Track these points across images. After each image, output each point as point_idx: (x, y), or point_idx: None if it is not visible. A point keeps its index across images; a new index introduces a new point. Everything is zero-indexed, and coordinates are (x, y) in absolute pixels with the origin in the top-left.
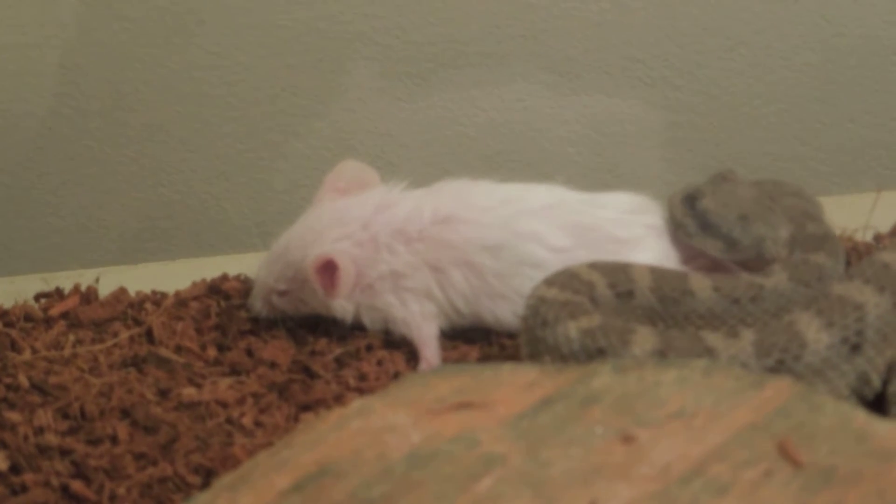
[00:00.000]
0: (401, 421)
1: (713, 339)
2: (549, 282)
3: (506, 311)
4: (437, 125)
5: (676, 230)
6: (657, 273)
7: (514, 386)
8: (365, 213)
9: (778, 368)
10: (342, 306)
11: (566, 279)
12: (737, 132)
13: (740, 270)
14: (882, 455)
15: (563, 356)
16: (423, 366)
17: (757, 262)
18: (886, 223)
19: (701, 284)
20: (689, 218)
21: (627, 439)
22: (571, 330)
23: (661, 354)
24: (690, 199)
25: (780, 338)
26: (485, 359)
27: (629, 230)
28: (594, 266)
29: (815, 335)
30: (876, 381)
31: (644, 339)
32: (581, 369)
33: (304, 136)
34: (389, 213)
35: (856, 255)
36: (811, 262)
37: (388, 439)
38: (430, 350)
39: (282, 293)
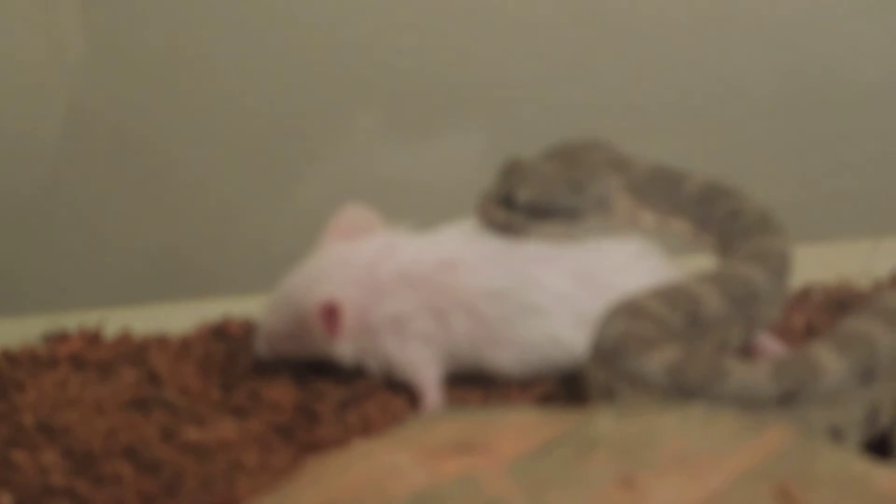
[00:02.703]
0: (403, 463)
1: (729, 362)
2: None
3: (507, 357)
4: (441, 170)
5: (506, 233)
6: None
7: (516, 429)
8: (368, 258)
9: (793, 394)
10: (344, 349)
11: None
12: (734, 178)
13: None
14: (881, 501)
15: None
16: (425, 409)
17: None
18: (885, 270)
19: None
20: (516, 215)
21: (628, 483)
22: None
23: (675, 370)
24: (507, 199)
25: (796, 364)
26: (487, 402)
27: (632, 277)
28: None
29: (831, 362)
30: (886, 414)
31: (664, 353)
32: (583, 413)
33: (308, 181)
34: (392, 257)
35: (855, 301)
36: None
37: (391, 482)
38: (432, 393)
39: (285, 336)
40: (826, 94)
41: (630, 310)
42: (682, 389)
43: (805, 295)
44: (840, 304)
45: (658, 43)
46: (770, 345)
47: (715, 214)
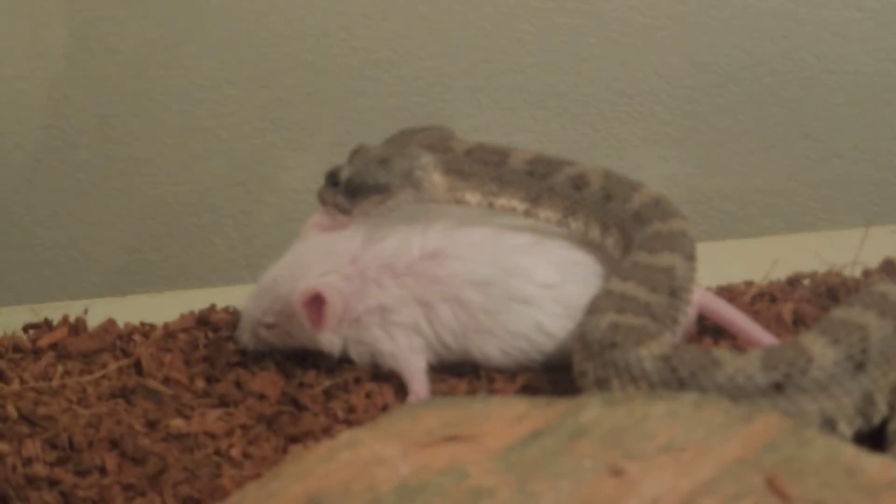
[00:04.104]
0: (390, 453)
1: (720, 352)
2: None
3: (493, 347)
4: None
5: (336, 214)
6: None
7: (503, 419)
8: (353, 248)
9: (784, 383)
10: (329, 340)
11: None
12: (725, 167)
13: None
14: (870, 490)
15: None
16: (411, 399)
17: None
18: (874, 259)
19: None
20: (340, 194)
21: (616, 473)
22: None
23: (667, 360)
24: (332, 177)
25: (786, 352)
26: (473, 392)
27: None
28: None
29: (821, 351)
30: (881, 404)
31: (658, 344)
32: (571, 402)
33: (292, 170)
34: (377, 247)
35: (845, 290)
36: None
37: (377, 471)
38: (418, 383)
39: (269, 326)
40: (815, 83)
41: (616, 299)
42: (673, 380)
43: (794, 284)
44: (830, 293)
45: (645, 31)
46: (760, 335)
47: (555, 184)
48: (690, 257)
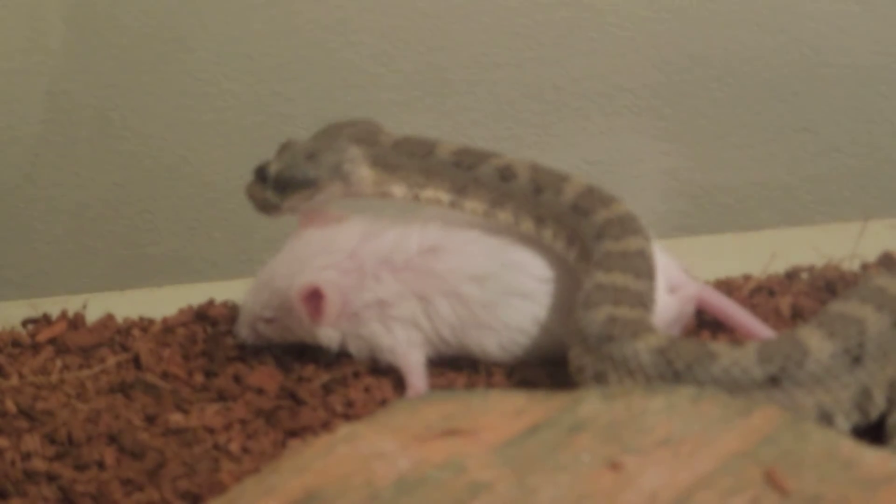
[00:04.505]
0: (388, 447)
1: (716, 345)
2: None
3: (492, 342)
4: None
5: (265, 212)
6: None
7: (501, 413)
8: (351, 242)
9: (780, 376)
10: (328, 334)
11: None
12: (723, 161)
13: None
14: (868, 483)
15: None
16: (410, 393)
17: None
18: (872, 252)
19: None
20: (269, 190)
21: (615, 467)
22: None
23: (663, 353)
24: (260, 173)
25: (782, 345)
26: (472, 386)
27: None
28: None
29: (818, 344)
30: (878, 399)
31: (654, 336)
32: (569, 396)
33: None
34: (376, 241)
35: (843, 284)
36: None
37: (376, 466)
38: (416, 377)
39: (268, 321)
40: (813, 76)
41: (609, 292)
42: (669, 372)
43: (792, 278)
44: (828, 287)
45: (645, 25)
46: (759, 329)
47: (481, 176)
48: (648, 237)
